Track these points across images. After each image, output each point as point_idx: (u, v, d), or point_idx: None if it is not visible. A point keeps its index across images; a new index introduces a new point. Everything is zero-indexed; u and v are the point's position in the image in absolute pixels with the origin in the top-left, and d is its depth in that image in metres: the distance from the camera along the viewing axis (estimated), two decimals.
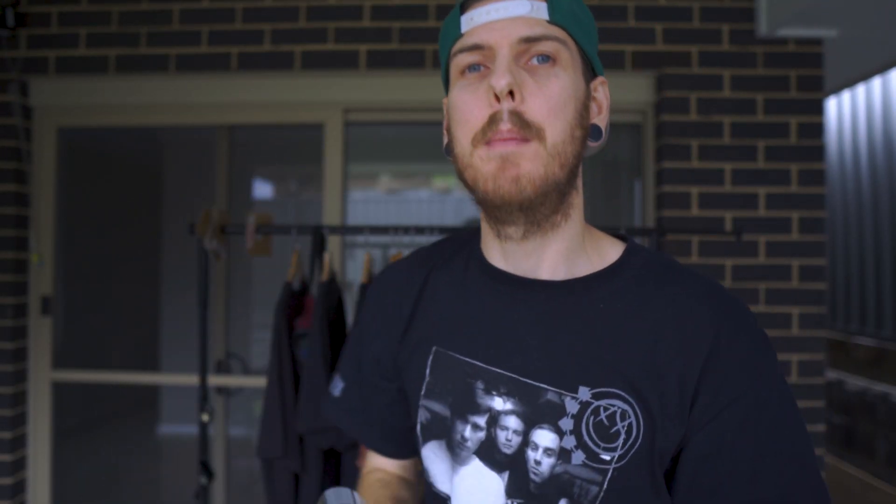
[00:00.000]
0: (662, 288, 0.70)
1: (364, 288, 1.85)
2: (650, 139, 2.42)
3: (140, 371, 3.15)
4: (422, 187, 3.53)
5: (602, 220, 2.73)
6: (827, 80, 2.50)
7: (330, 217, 2.46)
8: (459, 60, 0.69)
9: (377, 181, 3.44)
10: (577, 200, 0.73)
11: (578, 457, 0.67)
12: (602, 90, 0.75)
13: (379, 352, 0.85)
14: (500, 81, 0.64)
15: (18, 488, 2.45)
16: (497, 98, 0.65)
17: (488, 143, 0.66)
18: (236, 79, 2.42)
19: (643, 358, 0.67)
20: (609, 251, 0.76)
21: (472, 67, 0.69)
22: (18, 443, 2.44)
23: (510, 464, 0.70)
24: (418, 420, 0.78)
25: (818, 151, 2.28)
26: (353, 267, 2.91)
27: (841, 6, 2.05)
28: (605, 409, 0.67)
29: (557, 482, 0.68)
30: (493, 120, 0.65)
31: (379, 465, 0.91)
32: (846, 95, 4.18)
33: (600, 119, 0.74)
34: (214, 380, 2.55)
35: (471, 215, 3.40)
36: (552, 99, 0.66)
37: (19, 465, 2.45)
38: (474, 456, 0.72)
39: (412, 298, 0.82)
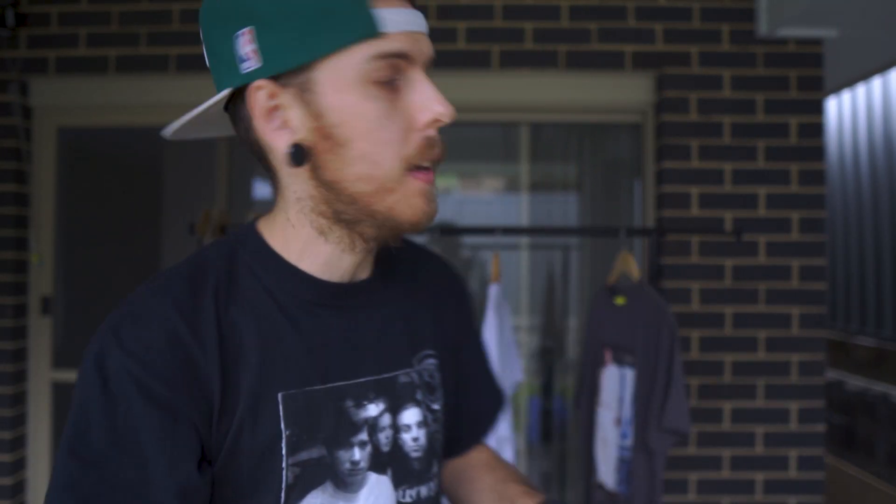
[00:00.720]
0: (411, 261, 0.81)
1: None
2: (650, 139, 2.42)
3: None
4: None
5: (602, 220, 2.73)
6: (827, 80, 2.50)
7: None
8: (376, 67, 0.59)
9: None
10: None
11: (430, 418, 0.74)
12: None
13: (188, 433, 0.58)
14: (448, 109, 0.61)
15: (18, 488, 2.45)
16: (420, 121, 0.61)
17: (417, 171, 0.62)
18: None
19: (426, 316, 0.79)
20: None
21: (389, 82, 0.60)
22: (18, 443, 2.44)
23: (389, 459, 0.69)
24: (282, 485, 0.62)
25: (818, 151, 2.28)
26: None
27: (841, 6, 2.05)
28: (427, 370, 0.76)
29: (430, 448, 0.73)
30: (429, 143, 0.62)
31: None
32: (846, 95, 4.18)
33: None
34: None
35: (472, 217, 3.40)
36: None
37: (19, 466, 2.45)
38: (369, 472, 0.67)
39: (213, 350, 0.60)
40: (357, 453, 0.66)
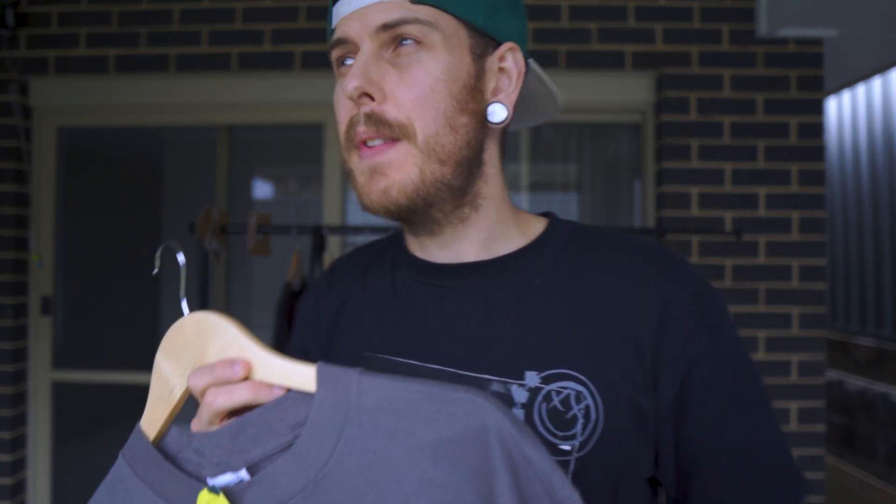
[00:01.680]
0: (598, 254, 0.66)
1: None
2: (650, 139, 2.42)
3: (140, 371, 3.16)
4: None
5: (602, 220, 2.73)
6: (827, 80, 2.50)
7: (330, 217, 2.46)
8: (333, 56, 0.64)
9: None
10: (490, 189, 0.67)
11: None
12: (512, 58, 0.65)
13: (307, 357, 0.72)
14: (349, 84, 0.59)
15: (18, 488, 2.45)
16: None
17: (358, 149, 0.61)
18: (236, 79, 2.42)
19: (591, 332, 0.62)
20: (533, 226, 0.70)
21: (344, 61, 0.64)
22: (18, 443, 2.44)
23: None
24: None
25: (818, 151, 2.28)
26: None
27: (841, 6, 2.05)
28: (558, 392, 0.61)
29: None
30: (352, 123, 0.61)
31: None
32: (846, 95, 4.18)
33: (506, 95, 0.65)
34: None
35: None
36: (416, 88, 0.59)
37: (19, 465, 2.45)
38: None
39: (339, 302, 0.74)
40: None
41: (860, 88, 3.99)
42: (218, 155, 2.75)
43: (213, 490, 0.47)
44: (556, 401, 0.61)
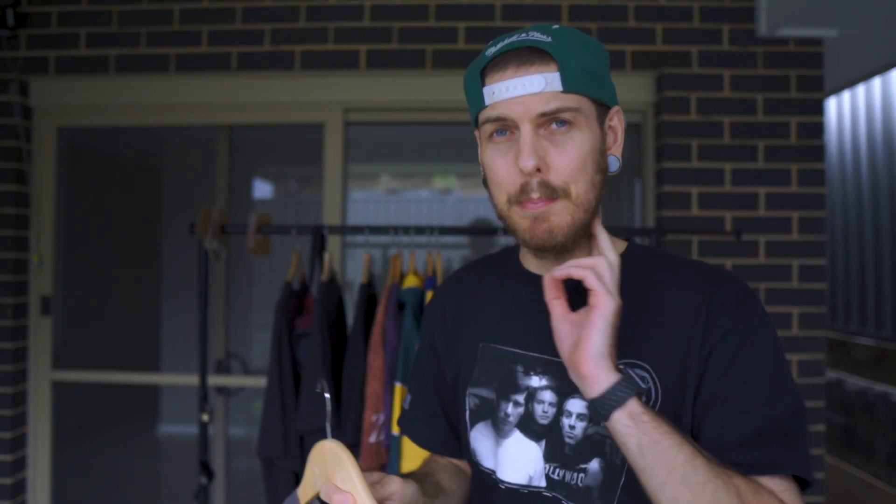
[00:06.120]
0: (665, 273, 0.85)
1: (364, 288, 1.85)
2: (650, 139, 2.42)
3: (140, 371, 3.15)
4: (422, 187, 3.52)
5: (602, 219, 2.73)
6: (827, 80, 2.50)
7: (330, 217, 2.46)
8: (487, 128, 0.81)
9: (377, 181, 3.44)
10: (597, 219, 0.84)
11: None
12: (617, 118, 0.85)
13: (437, 353, 0.99)
14: (528, 163, 0.76)
15: (18, 488, 2.45)
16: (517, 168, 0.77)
17: (521, 204, 0.79)
18: (236, 79, 2.42)
19: (655, 332, 0.81)
20: (616, 246, 0.89)
21: (499, 132, 0.80)
22: (18, 443, 2.44)
23: (546, 432, 0.83)
24: (466, 407, 0.91)
25: (818, 151, 2.28)
26: (353, 267, 2.91)
27: (841, 6, 2.05)
28: None
29: (590, 443, 0.81)
30: (525, 189, 0.78)
31: (436, 467, 1.02)
32: (846, 95, 4.18)
33: (616, 147, 0.85)
34: (214, 380, 2.55)
35: (472, 217, 3.39)
36: (573, 162, 0.78)
37: (19, 465, 2.45)
38: (515, 429, 0.85)
39: (460, 304, 0.98)
40: (510, 408, 0.86)
41: (860, 88, 3.99)
42: (218, 155, 2.75)
43: None
44: None
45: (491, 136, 0.81)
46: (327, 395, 0.78)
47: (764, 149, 2.28)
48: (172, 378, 2.99)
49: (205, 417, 1.87)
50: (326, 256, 1.82)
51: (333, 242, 2.41)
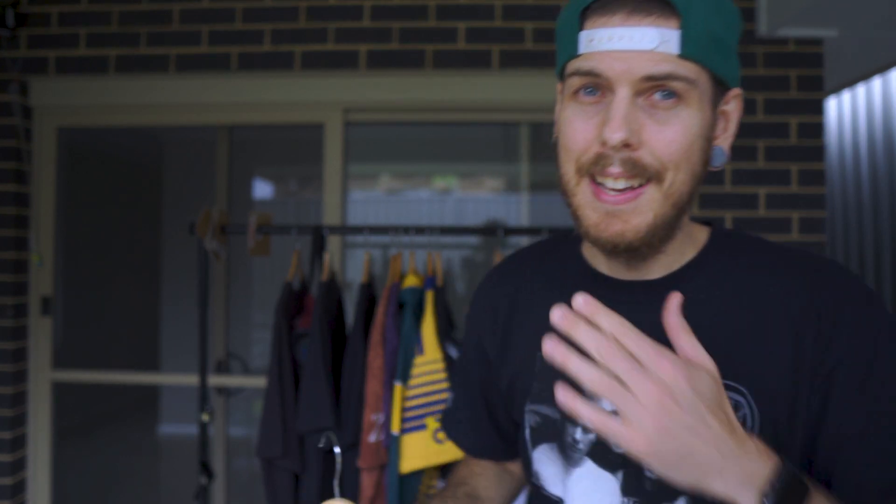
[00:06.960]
0: (757, 269, 0.69)
1: (364, 288, 1.85)
2: None
3: (140, 371, 3.15)
4: (422, 187, 3.53)
5: None
6: (827, 80, 2.50)
7: (330, 217, 2.46)
8: (574, 82, 0.65)
9: (377, 181, 3.44)
10: (685, 220, 0.70)
11: None
12: (735, 103, 0.69)
13: (486, 357, 0.86)
14: (615, 135, 0.60)
15: (18, 488, 2.45)
16: (599, 137, 0.63)
17: (594, 180, 0.64)
18: (236, 79, 2.42)
19: (749, 345, 0.66)
20: (697, 235, 0.74)
21: (587, 90, 0.64)
22: (18, 443, 2.44)
23: (624, 463, 0.70)
24: (526, 424, 0.78)
25: (818, 151, 2.28)
26: (353, 267, 2.92)
27: (841, 6, 2.05)
28: None
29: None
30: (601, 159, 0.63)
31: (475, 471, 0.92)
32: (846, 95, 4.18)
33: (725, 137, 0.69)
34: (214, 380, 2.55)
35: (472, 217, 3.39)
36: (675, 143, 0.62)
37: (19, 465, 2.45)
38: (587, 458, 0.72)
39: (512, 303, 0.82)
40: (579, 434, 0.72)
41: (860, 88, 3.99)
42: (218, 155, 2.75)
43: None
44: None
45: (577, 92, 0.65)
46: (337, 450, 0.72)
47: (764, 149, 2.28)
48: (172, 378, 2.99)
49: (205, 417, 1.87)
50: (326, 256, 1.82)
51: (333, 242, 2.42)
